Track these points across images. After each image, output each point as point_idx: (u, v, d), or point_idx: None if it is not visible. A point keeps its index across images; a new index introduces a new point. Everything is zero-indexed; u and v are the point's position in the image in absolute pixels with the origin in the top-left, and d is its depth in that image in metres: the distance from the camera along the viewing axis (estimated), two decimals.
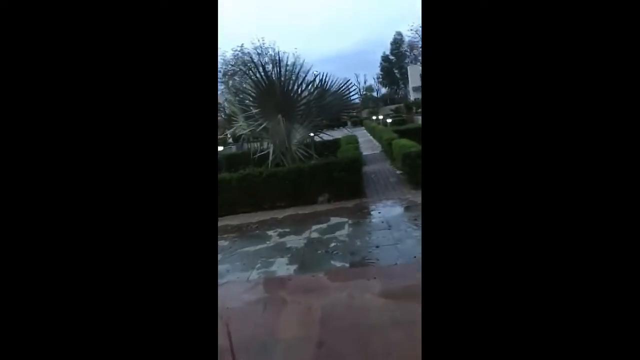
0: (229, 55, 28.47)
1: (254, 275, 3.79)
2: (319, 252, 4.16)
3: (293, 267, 3.84)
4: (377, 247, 4.04)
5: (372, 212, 5.44)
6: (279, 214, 6.02)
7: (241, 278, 3.76)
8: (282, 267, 3.88)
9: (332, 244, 4.33)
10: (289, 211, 6.13)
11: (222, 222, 6.05)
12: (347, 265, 3.71)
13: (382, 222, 4.87)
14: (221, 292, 3.78)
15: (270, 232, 5.15)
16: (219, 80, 29.19)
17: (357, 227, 4.89)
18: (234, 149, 16.21)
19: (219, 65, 28.04)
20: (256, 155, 7.12)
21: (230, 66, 28.94)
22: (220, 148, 12.95)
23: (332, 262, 3.83)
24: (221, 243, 5.00)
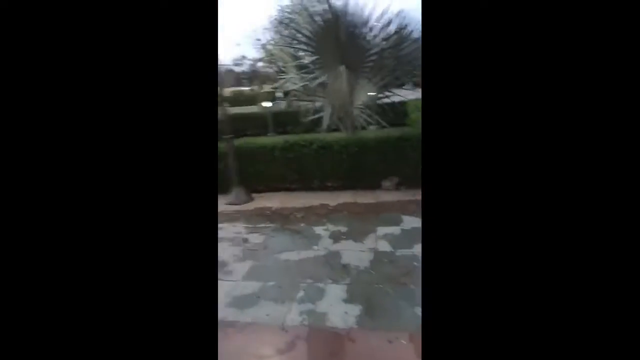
0: (285, 1, 26.23)
1: (294, 314, 2.46)
2: (394, 284, 2.71)
3: (354, 311, 2.44)
4: None
5: None
6: (332, 199, 4.60)
7: (274, 316, 2.45)
8: (338, 307, 2.50)
9: (414, 270, 2.84)
10: (345, 197, 4.69)
11: (258, 203, 4.78)
12: None
13: None
14: (242, 340, 2.11)
15: (319, 230, 3.77)
16: (272, 29, 27.40)
17: None
18: (282, 105, 14.85)
19: (275, 13, 26.07)
20: (308, 118, 5.61)
21: (286, 13, 26.82)
22: (268, 104, 11.60)
23: (419, 309, 2.38)
24: (254, 237, 3.73)
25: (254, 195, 5.05)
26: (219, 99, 8.45)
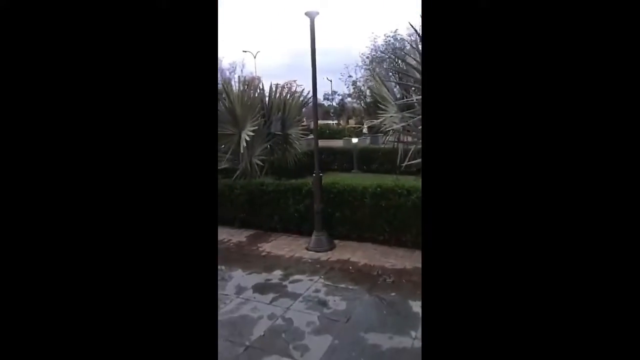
0: (380, 41, 26.69)
1: None
2: None
3: None
4: None
5: None
6: None
7: None
8: None
9: None
10: None
11: (341, 253, 4.18)
12: None
13: None
14: None
15: (416, 307, 2.98)
16: (365, 67, 28.06)
17: None
18: (368, 141, 14.49)
19: (368, 51, 26.74)
20: (404, 164, 4.97)
21: (379, 52, 27.22)
22: (355, 140, 11.33)
23: None
24: (335, 300, 3.10)
25: (336, 241, 4.49)
26: (308, 132, 8.35)
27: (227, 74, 26.67)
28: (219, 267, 3.88)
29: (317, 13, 4.09)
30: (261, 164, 5.85)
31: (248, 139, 5.38)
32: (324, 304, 3.07)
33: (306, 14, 4.04)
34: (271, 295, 3.21)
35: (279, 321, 2.80)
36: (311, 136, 8.76)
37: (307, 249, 4.34)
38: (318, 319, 2.82)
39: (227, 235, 4.91)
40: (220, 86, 5.83)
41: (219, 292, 3.27)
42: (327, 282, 3.47)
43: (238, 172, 5.62)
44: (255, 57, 30.50)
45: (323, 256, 4.12)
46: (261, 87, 6.49)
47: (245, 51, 32.46)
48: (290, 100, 6.43)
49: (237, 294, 3.25)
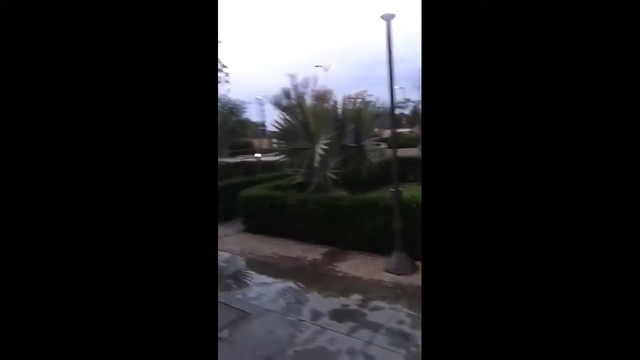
0: None
1: None
2: None
3: None
4: None
5: None
6: None
7: None
8: None
9: None
10: None
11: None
12: None
13: None
14: None
15: None
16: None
17: None
18: None
19: None
20: None
21: None
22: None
23: None
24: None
25: (417, 262, 4.06)
26: (380, 142, 7.99)
27: (301, 89, 27.48)
28: (295, 286, 3.75)
29: (394, 16, 3.80)
30: (335, 177, 5.68)
31: (322, 152, 5.25)
32: (409, 339, 2.69)
33: (382, 17, 3.78)
34: (350, 324, 2.94)
35: (359, 358, 2.51)
36: (383, 145, 8.37)
37: (386, 270, 3.99)
38: None
39: (302, 252, 4.79)
40: (294, 101, 5.88)
41: (295, 316, 3.11)
42: (411, 312, 3.07)
43: (311, 187, 5.53)
44: (326, 71, 31.09)
45: (404, 280, 3.73)
46: (333, 99, 6.38)
47: (318, 66, 33.32)
48: (363, 111, 6.20)
49: (313, 320, 3.04)
